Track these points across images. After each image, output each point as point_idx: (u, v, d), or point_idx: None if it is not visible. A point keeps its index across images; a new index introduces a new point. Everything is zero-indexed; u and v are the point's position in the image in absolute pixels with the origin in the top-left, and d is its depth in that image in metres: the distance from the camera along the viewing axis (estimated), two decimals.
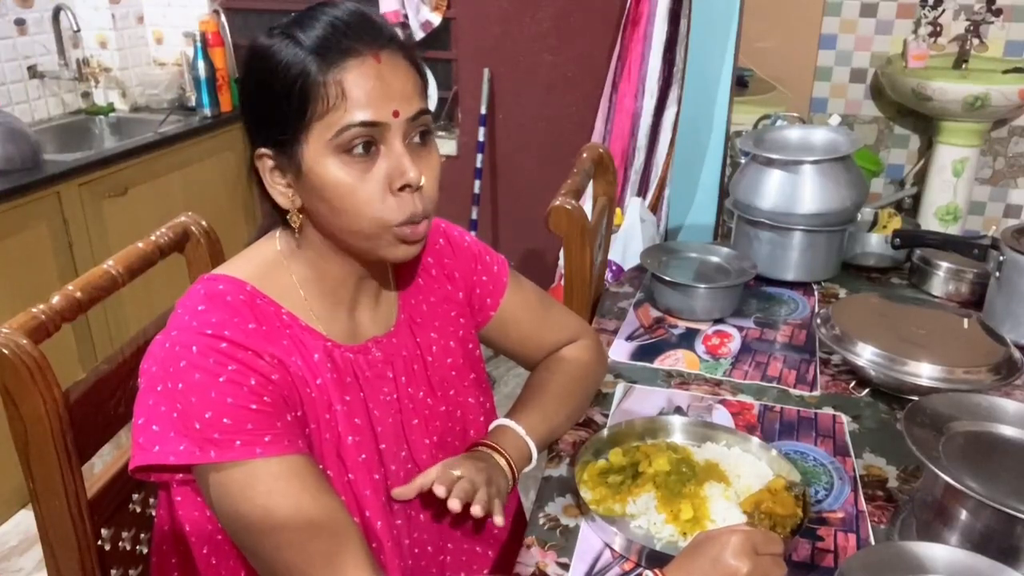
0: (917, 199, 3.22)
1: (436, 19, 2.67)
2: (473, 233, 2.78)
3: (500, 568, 0.99)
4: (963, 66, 3.07)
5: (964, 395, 0.97)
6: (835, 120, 2.55)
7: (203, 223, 1.13)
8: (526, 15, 2.62)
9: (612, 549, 0.89)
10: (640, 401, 1.17)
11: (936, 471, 0.80)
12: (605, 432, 1.04)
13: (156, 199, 2.53)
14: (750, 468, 0.98)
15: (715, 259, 1.52)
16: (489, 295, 1.03)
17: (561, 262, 1.96)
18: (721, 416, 1.13)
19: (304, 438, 0.79)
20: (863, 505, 0.96)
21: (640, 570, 0.85)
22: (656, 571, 0.76)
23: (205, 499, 0.76)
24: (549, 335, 1.09)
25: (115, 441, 0.96)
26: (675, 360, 1.29)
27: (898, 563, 0.74)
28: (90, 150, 2.47)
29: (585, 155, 1.56)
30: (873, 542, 0.90)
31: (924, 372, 1.12)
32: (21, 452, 0.83)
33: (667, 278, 1.41)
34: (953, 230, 3.08)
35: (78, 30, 2.62)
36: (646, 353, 1.32)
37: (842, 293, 1.54)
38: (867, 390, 1.20)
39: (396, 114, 0.76)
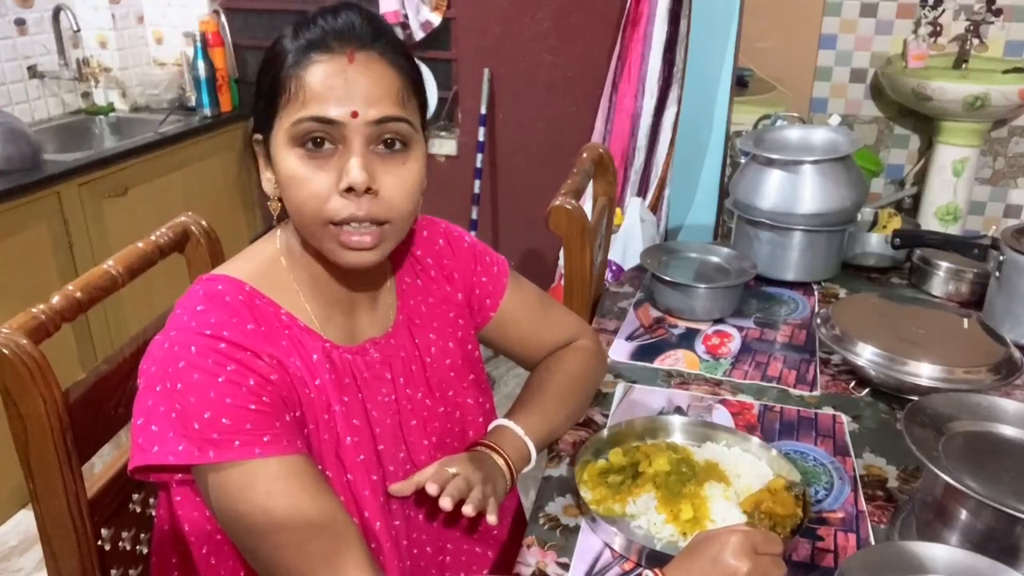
0: (917, 199, 3.22)
1: (436, 19, 2.67)
2: (473, 233, 2.78)
3: (500, 568, 0.99)
4: (963, 66, 3.07)
5: (964, 395, 0.97)
6: (835, 120, 2.55)
7: (203, 223, 1.13)
8: (526, 15, 2.62)
9: (612, 549, 0.89)
10: (640, 401, 1.17)
11: (936, 471, 0.80)
12: (605, 432, 1.04)
13: (156, 199, 2.53)
14: (750, 468, 0.98)
15: (715, 259, 1.52)
16: (489, 296, 1.03)
17: (561, 262, 1.96)
18: (721, 416, 1.13)
19: (303, 438, 0.79)
20: (863, 505, 0.96)
21: (640, 570, 0.85)
22: (656, 571, 0.76)
23: (204, 499, 0.76)
24: (549, 335, 1.09)
25: (115, 441, 0.96)
26: (675, 360, 1.29)
27: (898, 563, 0.74)
28: (90, 150, 2.47)
29: (585, 155, 1.56)
30: (873, 542, 0.90)
31: (924, 372, 1.12)
32: (21, 452, 0.83)
33: (667, 278, 1.41)
34: (953, 230, 3.08)
35: (78, 30, 2.62)
36: (646, 353, 1.32)
37: (842, 293, 1.54)
38: (867, 390, 1.20)
39: (355, 115, 0.75)
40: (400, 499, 0.89)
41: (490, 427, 0.99)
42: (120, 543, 0.96)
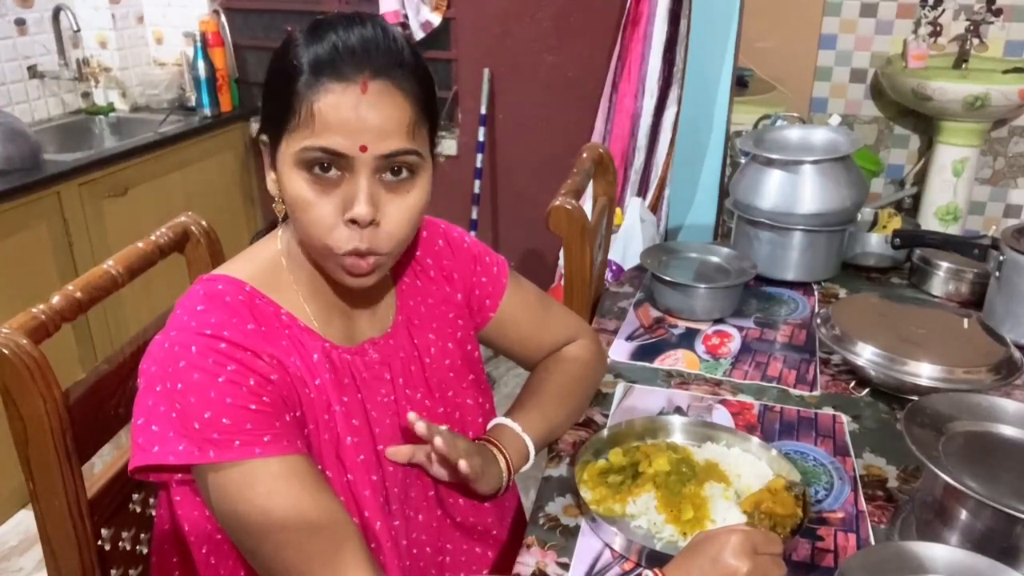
0: (917, 199, 3.22)
1: (436, 19, 2.67)
2: (473, 233, 2.78)
3: (500, 568, 0.99)
4: (963, 66, 3.07)
5: (964, 395, 0.97)
6: (835, 120, 2.55)
7: (203, 223, 1.13)
8: (526, 15, 2.62)
9: (612, 549, 0.89)
10: (640, 401, 1.17)
11: (936, 471, 0.80)
12: (605, 432, 1.04)
13: (156, 199, 2.53)
14: (750, 468, 0.98)
15: (715, 259, 1.52)
16: (488, 296, 1.03)
17: (561, 262, 1.96)
18: (721, 416, 1.13)
19: (303, 438, 0.79)
20: (863, 505, 0.96)
21: (640, 570, 0.85)
22: (655, 571, 0.76)
23: (204, 499, 0.76)
24: (548, 335, 1.09)
25: (115, 441, 0.96)
26: (675, 360, 1.29)
27: (898, 563, 0.74)
28: (90, 150, 2.47)
29: (585, 155, 1.56)
30: (873, 542, 0.90)
31: (924, 372, 1.12)
32: (21, 452, 0.83)
33: (667, 278, 1.41)
34: (953, 230, 3.08)
35: (78, 30, 2.62)
36: (646, 353, 1.32)
37: (842, 293, 1.54)
38: (867, 390, 1.20)
39: (364, 149, 0.74)
40: (400, 499, 0.89)
41: (489, 425, 0.99)
42: (120, 543, 0.96)
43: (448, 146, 2.84)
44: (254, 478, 0.73)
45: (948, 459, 0.84)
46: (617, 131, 2.53)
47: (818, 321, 1.28)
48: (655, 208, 2.48)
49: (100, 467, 0.99)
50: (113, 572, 0.95)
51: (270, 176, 0.82)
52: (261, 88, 0.82)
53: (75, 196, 2.24)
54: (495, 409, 1.04)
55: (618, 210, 2.38)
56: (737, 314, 1.43)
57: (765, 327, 1.40)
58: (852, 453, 1.06)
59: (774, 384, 1.23)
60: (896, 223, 1.65)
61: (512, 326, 1.06)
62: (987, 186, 3.28)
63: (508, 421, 0.98)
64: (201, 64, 2.74)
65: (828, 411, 1.16)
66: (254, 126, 2.93)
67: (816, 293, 1.54)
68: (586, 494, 0.94)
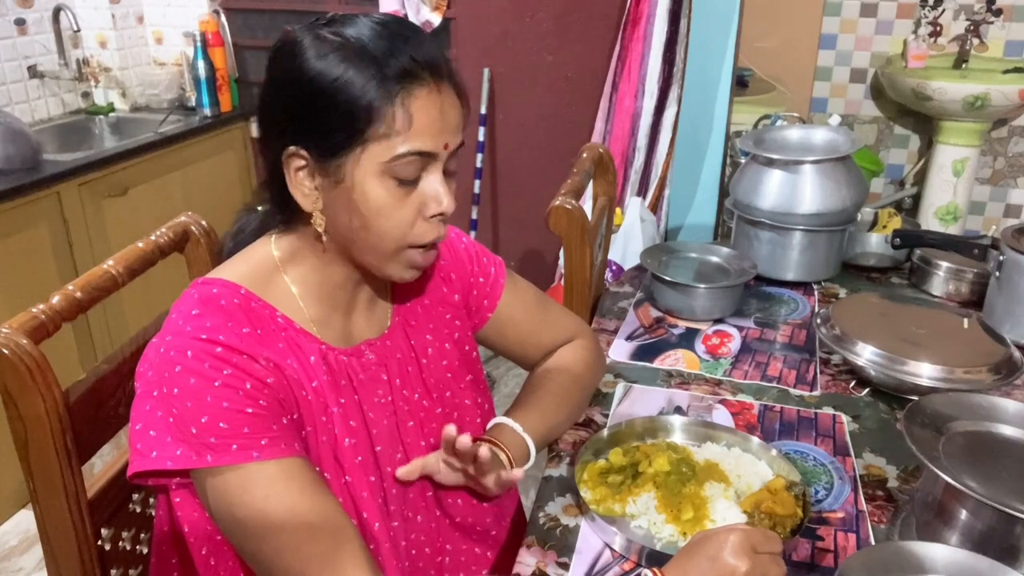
0: (917, 199, 3.22)
1: (436, 19, 2.67)
2: (473, 233, 2.79)
3: (500, 568, 0.99)
4: (963, 66, 3.07)
5: (964, 395, 0.97)
6: (835, 120, 2.55)
7: (203, 223, 1.13)
8: (526, 15, 2.62)
9: (612, 549, 0.89)
10: (640, 401, 1.17)
11: (936, 471, 0.80)
12: (605, 432, 1.04)
13: (156, 199, 2.53)
14: (750, 468, 0.98)
15: (715, 259, 1.52)
16: (486, 297, 1.03)
17: (561, 262, 1.96)
18: (721, 416, 1.13)
19: (300, 441, 0.79)
20: (863, 505, 0.96)
21: (640, 570, 0.85)
22: (655, 570, 0.76)
23: (203, 503, 0.76)
24: (547, 335, 1.09)
25: (115, 441, 0.96)
26: (675, 360, 1.29)
27: (898, 563, 0.74)
28: (90, 150, 2.46)
29: (585, 155, 1.56)
30: (873, 542, 0.90)
31: (924, 372, 1.12)
32: (21, 452, 0.83)
33: (667, 278, 1.41)
34: (953, 230, 3.08)
35: (78, 30, 2.62)
36: (646, 353, 1.32)
37: (842, 293, 1.54)
38: (867, 390, 1.20)
39: (446, 146, 0.78)
40: (399, 500, 0.89)
41: (489, 425, 0.99)
42: (120, 543, 0.96)
43: None
44: (252, 482, 0.73)
45: (948, 459, 0.84)
46: (617, 131, 2.53)
47: (818, 321, 1.28)
48: (655, 208, 2.48)
49: (100, 467, 0.99)
50: (113, 572, 0.95)
51: (302, 190, 0.79)
52: (282, 102, 0.78)
53: (75, 196, 2.24)
54: (495, 409, 1.04)
55: (618, 210, 2.38)
56: (737, 314, 1.43)
57: (765, 327, 1.40)
58: (852, 453, 1.06)
59: (774, 384, 1.23)
60: (896, 223, 1.65)
61: (510, 326, 1.06)
62: (987, 186, 3.29)
63: (508, 420, 0.98)
64: (201, 64, 2.74)
65: (828, 411, 1.16)
66: (254, 126, 2.93)
67: (816, 293, 1.54)
68: (586, 494, 0.94)
